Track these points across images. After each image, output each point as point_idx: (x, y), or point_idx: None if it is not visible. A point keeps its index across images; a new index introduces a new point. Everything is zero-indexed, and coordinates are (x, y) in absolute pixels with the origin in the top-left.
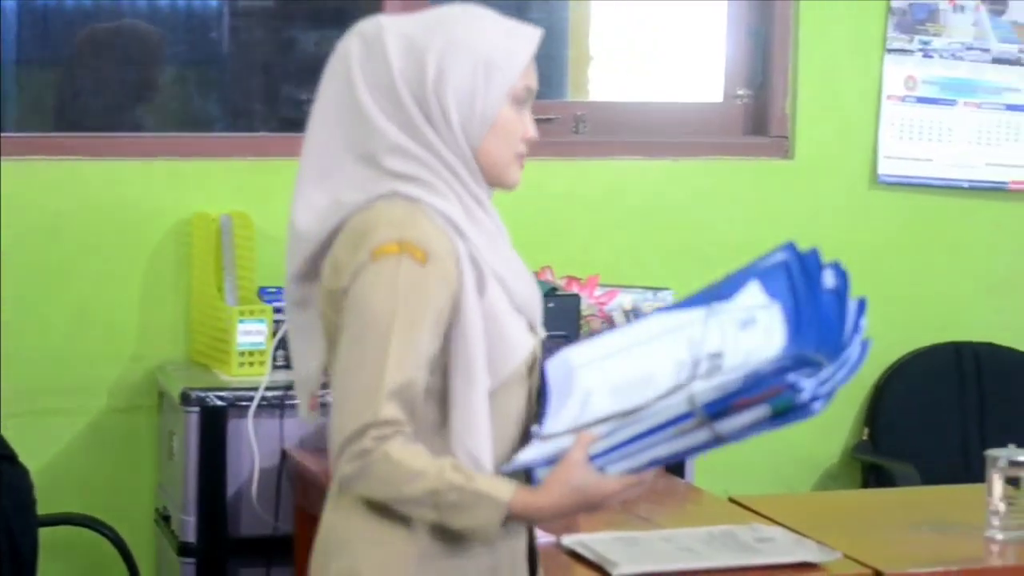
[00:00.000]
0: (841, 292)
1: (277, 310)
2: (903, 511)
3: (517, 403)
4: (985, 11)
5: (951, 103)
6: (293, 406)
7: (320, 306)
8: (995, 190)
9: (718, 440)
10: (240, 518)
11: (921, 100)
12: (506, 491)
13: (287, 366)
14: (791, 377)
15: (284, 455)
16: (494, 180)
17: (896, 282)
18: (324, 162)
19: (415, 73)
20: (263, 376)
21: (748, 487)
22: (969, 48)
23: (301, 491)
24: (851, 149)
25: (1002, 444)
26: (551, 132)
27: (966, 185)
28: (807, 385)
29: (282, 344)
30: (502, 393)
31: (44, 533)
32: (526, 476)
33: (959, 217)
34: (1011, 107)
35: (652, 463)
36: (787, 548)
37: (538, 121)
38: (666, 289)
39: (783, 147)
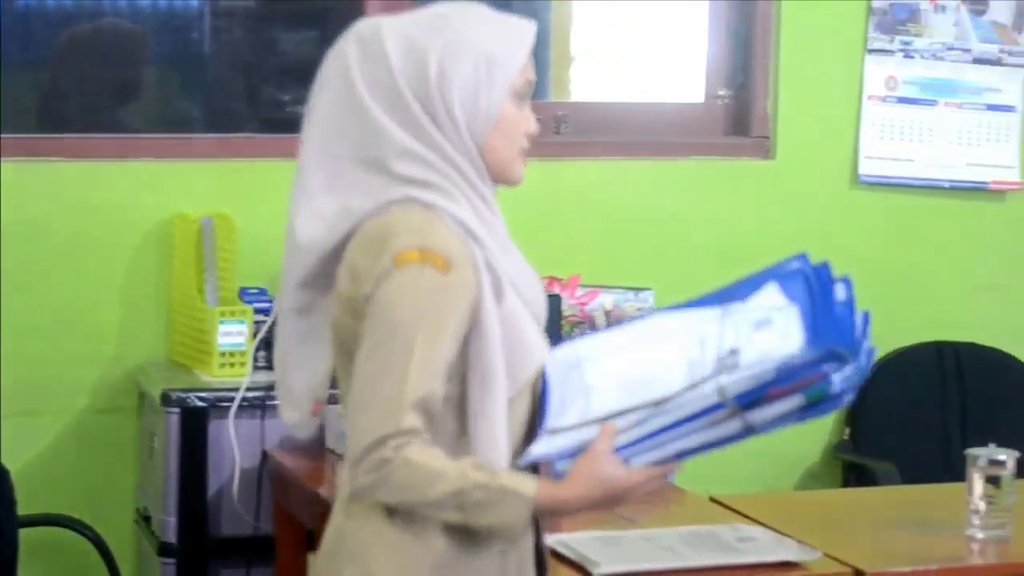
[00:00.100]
0: (851, 304)
1: (258, 311)
2: (884, 510)
3: (526, 406)
4: (966, 11)
5: (932, 103)
6: (274, 407)
7: (335, 312)
8: (976, 190)
9: (749, 431)
10: (221, 518)
11: (902, 100)
12: (531, 485)
13: (268, 367)
14: (826, 367)
15: (265, 456)
16: (499, 177)
17: (877, 282)
18: (328, 169)
19: (417, 73)
20: (244, 377)
21: (729, 487)
22: (950, 48)
23: (281, 491)
24: (832, 149)
25: (983, 443)
26: None
27: (947, 185)
28: (837, 378)
29: (263, 345)
30: (516, 398)
31: (24, 534)
32: (533, 470)
33: (940, 217)
34: (992, 107)
35: (680, 455)
36: (768, 547)
37: None
38: (647, 289)
39: (764, 147)
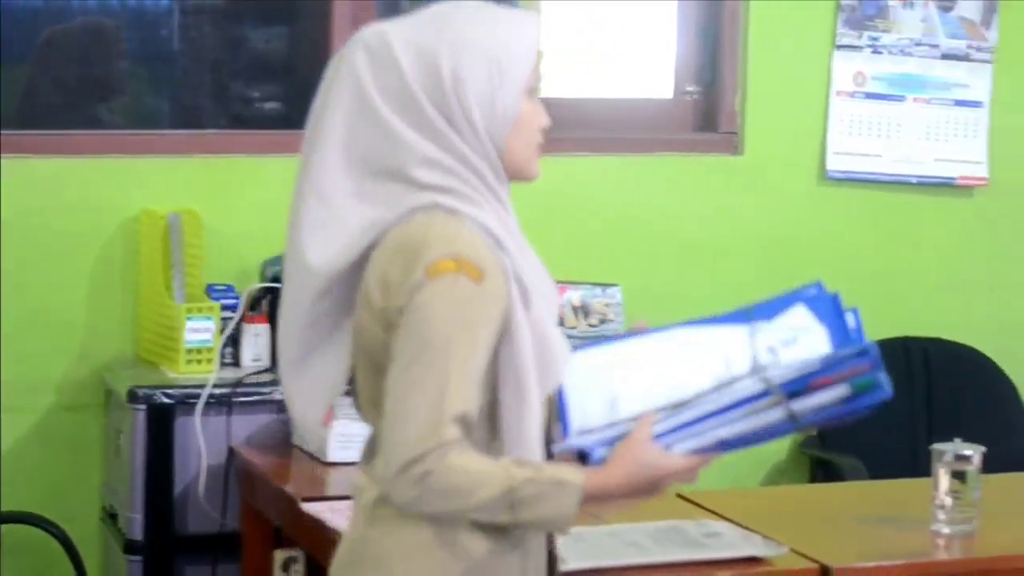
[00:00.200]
0: (860, 333)
1: (225, 308)
2: (850, 505)
3: (544, 411)
4: (934, 7)
5: (900, 99)
6: (241, 404)
7: (363, 323)
8: (943, 186)
9: (792, 420)
10: (187, 516)
11: (870, 96)
12: (577, 474)
13: (235, 363)
14: (871, 358)
15: (231, 452)
16: (516, 175)
17: (844, 277)
18: (347, 182)
19: (430, 79)
20: (211, 373)
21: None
22: (918, 44)
23: (248, 488)
24: (800, 145)
25: (949, 439)
26: None
27: (915, 181)
28: (882, 375)
29: (230, 342)
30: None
31: None
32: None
33: (908, 213)
34: (960, 103)
35: (721, 444)
36: (734, 543)
37: None
38: (615, 285)
39: (733, 143)
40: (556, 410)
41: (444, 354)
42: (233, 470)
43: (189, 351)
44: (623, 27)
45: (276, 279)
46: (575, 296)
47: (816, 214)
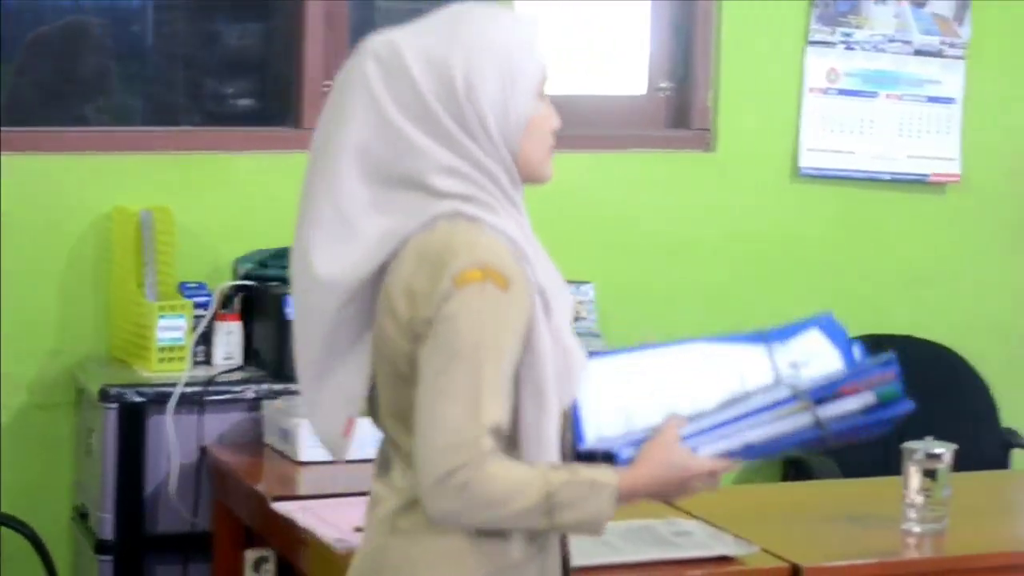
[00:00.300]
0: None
1: (197, 306)
2: (821, 504)
3: (560, 421)
4: (907, 3)
5: (873, 95)
6: (213, 403)
7: (386, 333)
8: (916, 182)
9: (817, 426)
10: (158, 515)
11: (843, 92)
12: (611, 474)
13: (207, 362)
14: (896, 368)
15: (203, 451)
16: (530, 178)
17: (816, 274)
18: (365, 194)
19: (444, 89)
20: (183, 372)
21: None
22: (891, 40)
23: (220, 487)
24: (773, 141)
25: (920, 437)
26: None
27: (888, 177)
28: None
29: (202, 340)
30: None
31: None
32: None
33: (880, 209)
34: (933, 99)
35: (747, 448)
36: (705, 542)
37: None
38: (588, 283)
39: (705, 140)
40: (571, 420)
41: (475, 363)
42: (204, 469)
43: (161, 349)
44: (596, 24)
45: (248, 276)
46: None
47: (789, 211)
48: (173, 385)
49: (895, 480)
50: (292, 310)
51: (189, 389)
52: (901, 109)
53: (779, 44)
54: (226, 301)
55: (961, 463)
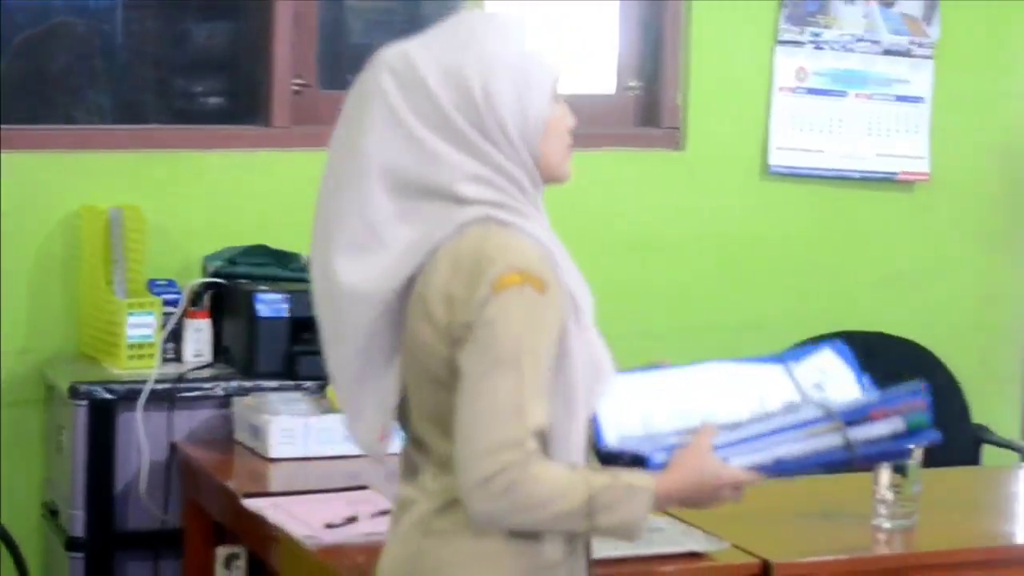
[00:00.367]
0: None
1: (167, 303)
2: (792, 500)
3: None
4: (876, 4)
5: (842, 94)
6: (183, 399)
7: (423, 339)
8: (885, 181)
9: (847, 447)
10: (129, 512)
11: (812, 91)
12: (648, 479)
13: (176, 359)
14: (925, 398)
15: (173, 448)
16: (551, 179)
17: (787, 272)
18: (391, 206)
19: (462, 98)
20: (152, 369)
21: None
22: (860, 40)
23: (191, 484)
24: (743, 140)
25: None
26: None
27: (857, 176)
28: None
29: (171, 337)
30: None
31: None
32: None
33: (850, 208)
34: (901, 98)
35: (778, 464)
36: (675, 538)
37: None
38: None
39: (675, 138)
40: (592, 423)
41: (517, 366)
42: (175, 466)
43: (131, 346)
44: (565, 23)
45: (218, 274)
46: None
47: (758, 209)
48: (143, 382)
49: (865, 476)
50: (323, 331)
51: (159, 386)
52: (870, 108)
53: (748, 43)
54: (196, 298)
55: (932, 459)
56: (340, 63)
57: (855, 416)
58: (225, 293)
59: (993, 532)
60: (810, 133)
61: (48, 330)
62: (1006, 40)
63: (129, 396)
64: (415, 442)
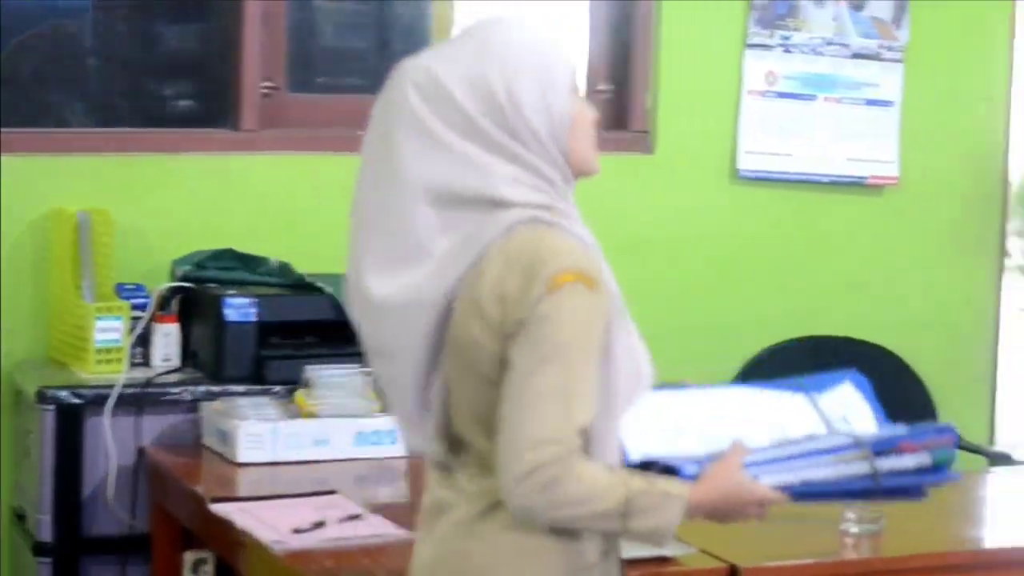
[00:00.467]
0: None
1: (135, 307)
2: None
3: None
4: (845, 6)
5: (811, 98)
6: (150, 404)
7: (473, 337)
8: (854, 185)
9: (872, 477)
10: (96, 517)
11: (781, 95)
12: (683, 487)
13: (144, 363)
14: (953, 435)
15: (141, 453)
16: (582, 173)
17: (755, 276)
18: (433, 217)
19: (489, 106)
20: (120, 373)
21: None
22: (829, 43)
23: (159, 489)
24: (712, 144)
25: None
26: None
27: (826, 180)
28: None
29: (139, 341)
30: None
31: None
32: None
33: (818, 211)
34: (871, 102)
35: (805, 487)
36: (643, 542)
37: None
38: None
39: (644, 142)
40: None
41: (567, 363)
42: (142, 471)
43: (99, 351)
44: None
45: (186, 278)
46: None
47: (727, 213)
48: (111, 387)
49: None
50: (369, 352)
51: (127, 391)
52: (839, 112)
53: (718, 47)
54: (164, 303)
55: None
56: (310, 66)
57: (884, 447)
58: (193, 297)
59: (961, 537)
60: (779, 137)
61: (16, 334)
62: (976, 43)
63: (97, 401)
64: (452, 443)
